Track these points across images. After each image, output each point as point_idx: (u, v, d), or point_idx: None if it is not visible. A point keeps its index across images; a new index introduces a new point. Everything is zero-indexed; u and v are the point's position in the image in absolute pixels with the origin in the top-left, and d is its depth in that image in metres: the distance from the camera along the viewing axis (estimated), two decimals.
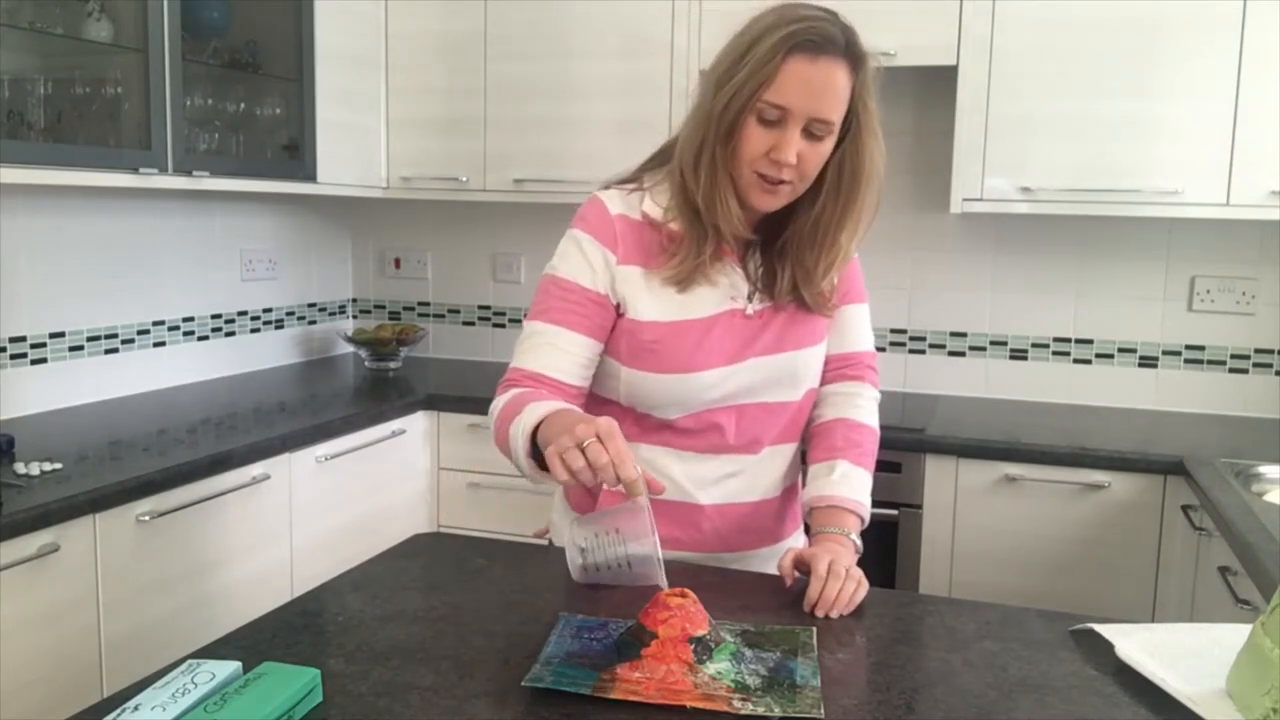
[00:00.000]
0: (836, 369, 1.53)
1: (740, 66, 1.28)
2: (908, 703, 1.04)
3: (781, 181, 1.31)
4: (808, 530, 1.48)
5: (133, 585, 1.88)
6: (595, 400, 1.48)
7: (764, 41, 1.27)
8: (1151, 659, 1.09)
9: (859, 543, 1.36)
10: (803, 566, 1.31)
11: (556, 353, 1.37)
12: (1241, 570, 1.69)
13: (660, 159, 1.46)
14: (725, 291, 1.40)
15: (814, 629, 1.19)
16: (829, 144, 1.31)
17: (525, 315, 1.45)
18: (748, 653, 1.11)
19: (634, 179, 1.45)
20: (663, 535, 1.45)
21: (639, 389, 1.41)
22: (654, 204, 1.40)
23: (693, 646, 1.06)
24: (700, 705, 0.99)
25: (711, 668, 1.06)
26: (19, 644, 1.67)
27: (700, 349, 1.38)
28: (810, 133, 1.29)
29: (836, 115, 1.29)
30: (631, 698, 1.01)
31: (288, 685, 0.96)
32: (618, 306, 1.40)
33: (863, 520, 1.41)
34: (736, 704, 1.00)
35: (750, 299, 1.41)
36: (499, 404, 1.35)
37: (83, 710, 1.00)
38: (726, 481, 1.46)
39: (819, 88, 1.26)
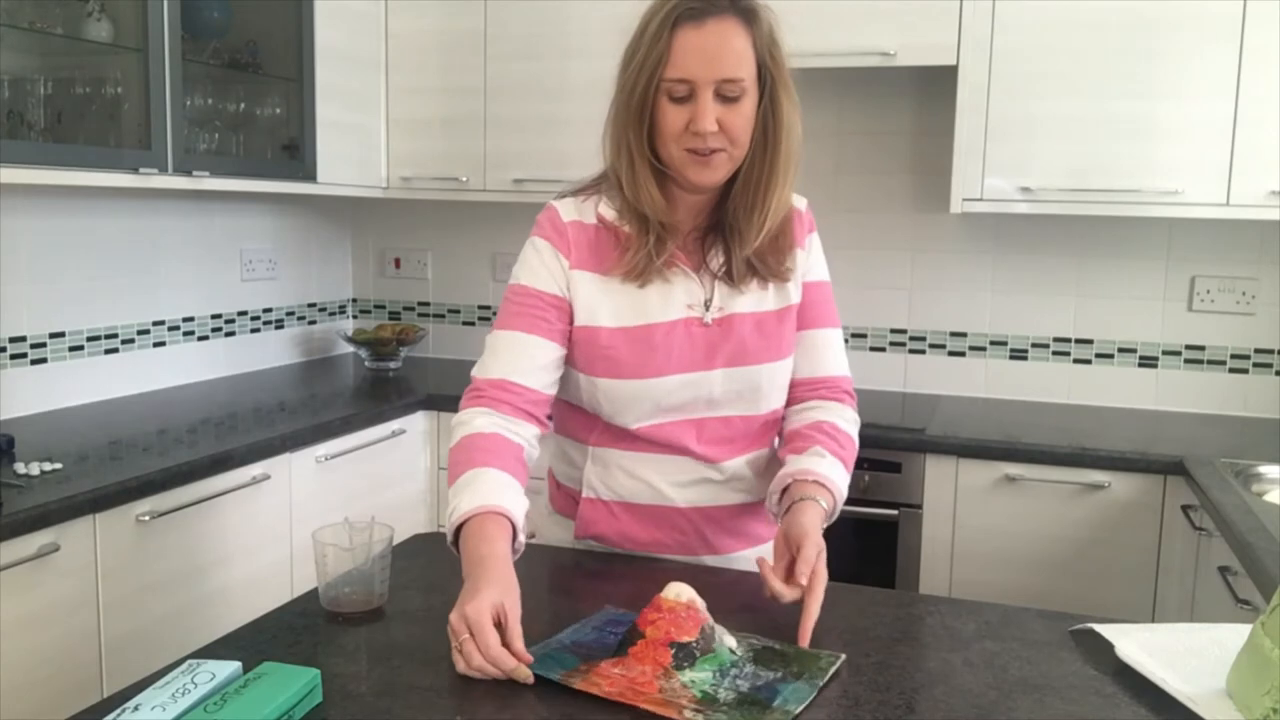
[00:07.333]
0: (810, 390, 1.49)
1: (637, 53, 1.31)
2: (908, 703, 1.04)
3: (713, 151, 1.30)
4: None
5: (133, 585, 1.88)
6: (564, 407, 1.48)
7: (652, 23, 1.30)
8: (1151, 659, 1.09)
9: (826, 507, 1.32)
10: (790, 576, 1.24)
11: (516, 357, 1.36)
12: (1241, 570, 1.69)
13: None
14: (682, 299, 1.39)
15: (842, 655, 1.13)
16: (748, 103, 1.31)
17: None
18: (747, 668, 1.08)
19: (592, 186, 1.45)
20: (643, 537, 1.45)
21: (599, 395, 1.40)
22: (609, 207, 1.40)
23: (673, 651, 1.05)
24: (650, 709, 0.98)
25: (686, 675, 1.04)
26: (19, 644, 1.67)
27: (658, 354, 1.37)
28: (724, 95, 1.29)
29: (743, 72, 1.29)
30: (592, 690, 1.01)
31: (288, 685, 0.96)
32: (571, 314, 1.40)
33: (833, 496, 1.35)
34: (688, 714, 0.98)
35: (708, 307, 1.40)
36: (456, 436, 1.33)
37: (83, 710, 1.00)
38: (702, 485, 1.44)
39: (713, 51, 1.27)
